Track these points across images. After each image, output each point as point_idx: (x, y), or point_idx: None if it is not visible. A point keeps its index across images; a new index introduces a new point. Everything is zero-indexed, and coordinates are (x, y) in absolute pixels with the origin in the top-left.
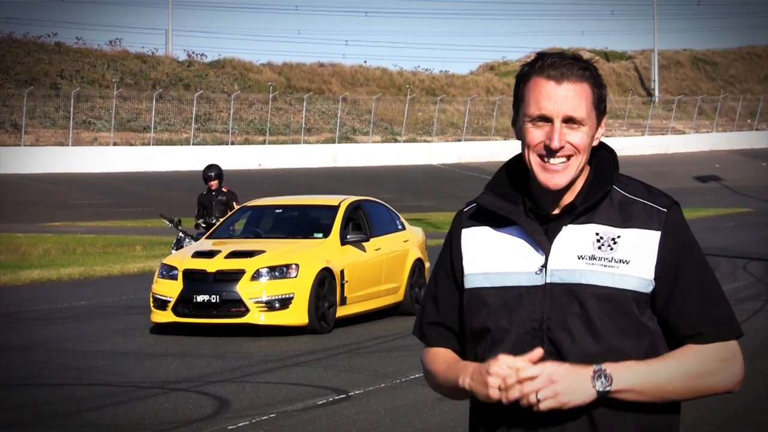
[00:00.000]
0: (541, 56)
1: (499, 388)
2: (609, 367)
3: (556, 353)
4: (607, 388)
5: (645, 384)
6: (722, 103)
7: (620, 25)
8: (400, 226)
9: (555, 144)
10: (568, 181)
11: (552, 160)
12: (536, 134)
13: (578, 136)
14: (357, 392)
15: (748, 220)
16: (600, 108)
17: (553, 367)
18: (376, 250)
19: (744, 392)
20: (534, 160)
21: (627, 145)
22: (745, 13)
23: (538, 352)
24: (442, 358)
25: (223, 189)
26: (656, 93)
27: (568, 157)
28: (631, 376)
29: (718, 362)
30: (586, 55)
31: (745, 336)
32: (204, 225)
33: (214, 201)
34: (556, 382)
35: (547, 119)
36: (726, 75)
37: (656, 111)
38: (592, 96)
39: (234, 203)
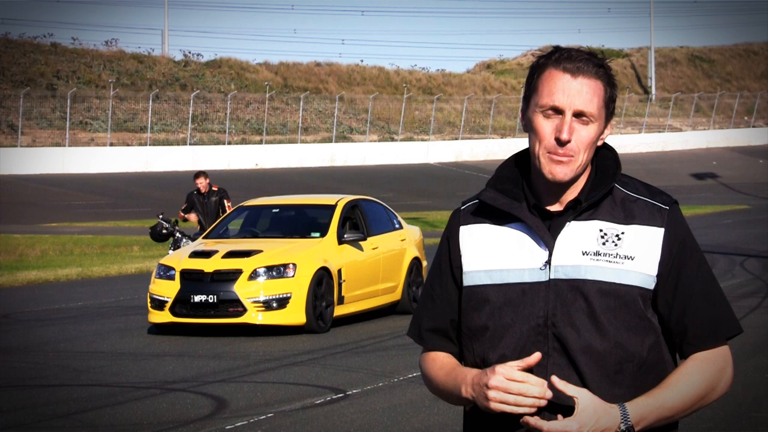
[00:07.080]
0: (558, 49)
1: (502, 401)
2: (628, 407)
3: (561, 349)
4: (630, 425)
5: (657, 417)
6: (719, 100)
7: (617, 22)
8: (397, 225)
9: (564, 136)
10: (573, 174)
11: (559, 151)
12: (546, 126)
13: (586, 132)
14: (355, 391)
15: (745, 217)
16: (609, 108)
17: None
18: (374, 249)
19: (742, 390)
20: (542, 152)
21: (624, 143)
22: (741, 10)
23: (536, 356)
24: (441, 363)
25: (213, 188)
26: (653, 91)
27: (574, 152)
28: (646, 414)
29: (718, 374)
30: None
31: (743, 333)
32: (166, 222)
33: (205, 201)
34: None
35: (558, 111)
36: (723, 72)
37: (653, 109)
38: (604, 94)
39: (225, 201)
